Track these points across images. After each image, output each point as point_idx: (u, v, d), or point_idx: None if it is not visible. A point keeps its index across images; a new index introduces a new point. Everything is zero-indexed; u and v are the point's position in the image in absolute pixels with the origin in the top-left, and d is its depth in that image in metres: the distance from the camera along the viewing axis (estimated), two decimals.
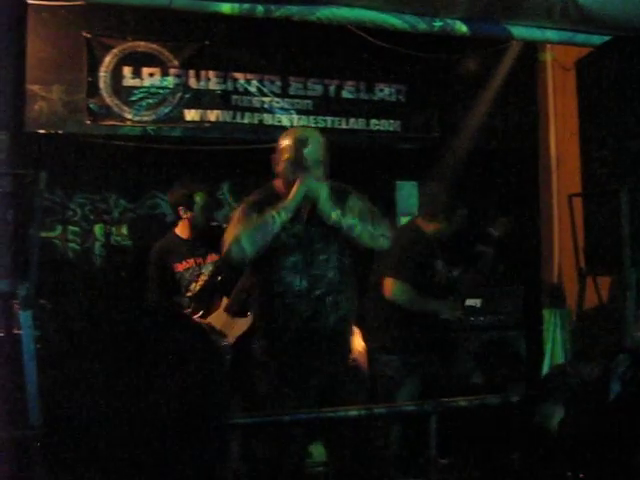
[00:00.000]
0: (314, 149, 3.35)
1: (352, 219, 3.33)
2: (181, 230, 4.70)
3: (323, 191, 3.28)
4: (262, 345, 3.45)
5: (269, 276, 3.33)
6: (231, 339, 4.46)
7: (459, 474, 4.43)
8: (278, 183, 3.48)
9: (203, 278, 4.58)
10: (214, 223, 4.88)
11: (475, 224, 5.10)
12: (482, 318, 5.37)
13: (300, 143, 3.34)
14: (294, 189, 3.28)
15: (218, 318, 4.49)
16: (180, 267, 4.60)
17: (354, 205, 3.43)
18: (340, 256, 3.39)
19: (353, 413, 3.22)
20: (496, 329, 5.39)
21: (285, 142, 3.40)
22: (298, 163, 3.31)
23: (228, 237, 3.30)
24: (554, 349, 5.64)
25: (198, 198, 4.67)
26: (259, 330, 3.50)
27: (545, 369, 5.46)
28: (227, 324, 4.49)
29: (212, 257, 4.60)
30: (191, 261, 4.61)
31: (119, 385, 0.98)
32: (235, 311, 4.51)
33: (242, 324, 4.52)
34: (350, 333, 3.55)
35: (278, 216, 3.25)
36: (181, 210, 4.66)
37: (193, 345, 1.06)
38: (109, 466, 0.95)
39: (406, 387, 4.55)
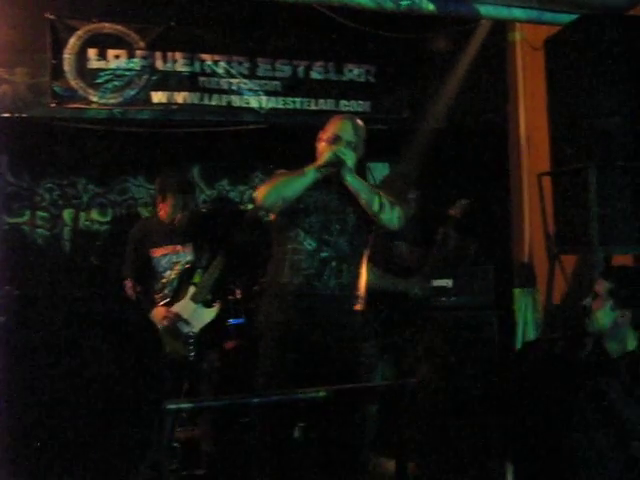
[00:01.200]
0: (351, 134, 3.66)
1: (368, 188, 3.61)
2: (162, 215, 4.63)
3: (349, 158, 3.54)
4: (266, 308, 3.71)
5: (286, 233, 3.62)
6: (197, 328, 4.44)
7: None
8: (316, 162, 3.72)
9: (178, 267, 4.54)
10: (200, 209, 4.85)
11: (444, 204, 5.11)
12: (453, 298, 5.37)
13: (341, 126, 3.67)
14: (324, 154, 3.57)
15: (185, 307, 4.46)
16: (156, 253, 4.55)
17: (377, 186, 3.89)
18: (354, 231, 3.66)
19: (322, 394, 3.22)
20: (467, 309, 5.40)
21: (329, 125, 3.72)
22: (335, 140, 3.61)
23: (263, 187, 3.62)
24: (525, 328, 5.66)
25: (182, 184, 4.61)
26: (267, 293, 3.75)
27: (517, 348, 5.48)
28: (193, 313, 4.46)
29: (190, 246, 4.56)
30: (169, 248, 4.56)
31: (78, 367, 0.97)
32: (202, 300, 4.48)
33: (207, 314, 4.50)
34: (351, 304, 3.73)
35: (307, 172, 3.52)
36: (165, 195, 4.57)
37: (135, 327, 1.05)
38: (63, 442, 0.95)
39: (380, 371, 4.56)
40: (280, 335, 3.62)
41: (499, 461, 4.00)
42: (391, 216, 3.64)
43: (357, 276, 3.77)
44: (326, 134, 3.70)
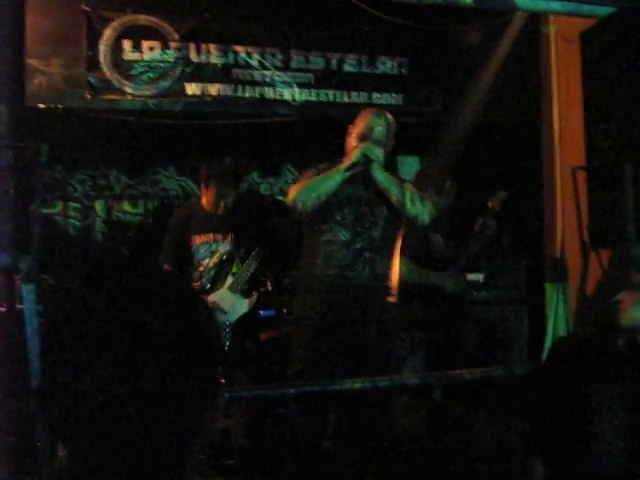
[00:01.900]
0: (382, 130, 3.76)
1: (398, 187, 3.71)
2: (205, 204, 4.60)
3: (377, 155, 3.66)
4: (302, 299, 3.80)
5: (320, 226, 3.71)
6: (233, 318, 4.44)
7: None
8: (345, 159, 3.79)
9: (217, 256, 4.53)
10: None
11: (477, 198, 5.08)
12: (485, 293, 5.35)
13: (371, 122, 3.76)
14: (353, 152, 3.69)
15: (222, 296, 4.47)
16: (197, 240, 4.54)
17: (408, 184, 3.86)
18: (386, 223, 3.77)
19: (357, 386, 3.24)
20: (499, 304, 5.38)
21: (358, 120, 3.82)
22: (364, 137, 3.72)
23: (295, 187, 3.73)
24: (556, 323, 5.62)
25: (227, 173, 4.58)
26: (300, 285, 3.86)
27: (548, 343, 5.45)
28: (230, 303, 4.46)
29: (230, 236, 4.55)
30: (210, 236, 4.55)
31: (113, 359, 0.98)
32: (239, 290, 4.49)
33: (244, 304, 4.50)
34: (384, 294, 3.81)
35: (337, 172, 3.66)
36: (209, 184, 4.55)
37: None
38: (106, 432, 0.96)
39: (411, 363, 4.55)
40: (315, 325, 3.68)
41: (528, 457, 3.98)
42: (421, 211, 3.73)
43: (390, 267, 3.84)
44: (356, 129, 3.78)
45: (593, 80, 4.84)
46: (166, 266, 4.49)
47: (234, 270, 4.49)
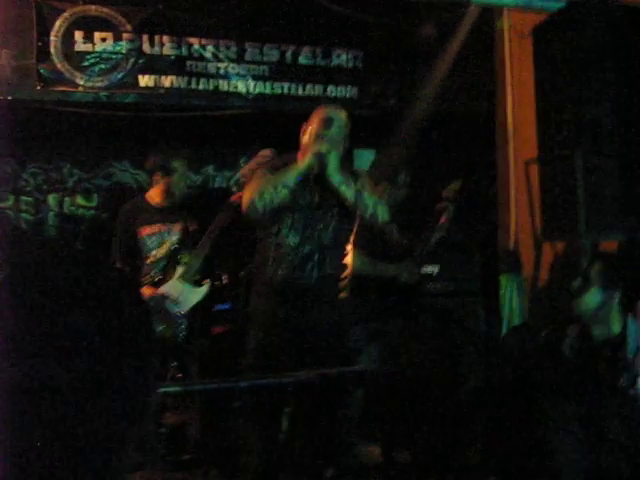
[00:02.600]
0: (337, 130, 3.71)
1: (353, 188, 3.69)
2: (152, 196, 4.62)
3: (334, 158, 3.62)
4: (254, 303, 3.82)
5: (270, 230, 3.69)
6: (185, 308, 4.42)
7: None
8: (300, 155, 3.76)
9: (166, 246, 4.51)
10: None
11: (432, 189, 5.12)
12: (439, 285, 5.39)
13: (326, 122, 3.70)
14: (308, 154, 3.63)
15: (173, 286, 4.44)
16: (144, 232, 4.52)
17: (363, 183, 3.80)
18: (338, 224, 3.75)
19: (307, 377, 3.26)
20: (453, 296, 5.42)
21: (313, 118, 3.76)
22: (320, 138, 3.66)
23: (249, 193, 3.66)
24: (511, 315, 5.68)
25: (177, 164, 4.60)
26: (254, 288, 3.85)
27: (503, 334, 5.51)
28: (182, 293, 4.44)
29: (179, 226, 4.55)
30: (156, 227, 4.54)
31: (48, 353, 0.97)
32: (190, 280, 4.46)
33: (196, 294, 4.48)
34: (334, 292, 3.87)
35: (292, 175, 3.62)
36: (158, 176, 4.59)
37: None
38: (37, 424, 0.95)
39: (368, 354, 4.56)
40: (267, 324, 3.70)
41: (483, 447, 4.03)
42: (376, 212, 3.73)
43: (340, 266, 3.90)
44: (310, 126, 3.74)
45: (545, 74, 4.90)
46: (117, 263, 4.47)
47: (185, 260, 4.47)
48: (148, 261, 4.47)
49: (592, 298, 3.36)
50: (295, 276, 3.65)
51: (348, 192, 3.67)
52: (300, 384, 3.40)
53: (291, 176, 3.62)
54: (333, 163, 3.62)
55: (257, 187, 3.64)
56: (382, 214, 3.76)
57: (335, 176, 3.64)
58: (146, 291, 4.41)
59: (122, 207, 4.75)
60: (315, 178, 3.67)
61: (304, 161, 3.63)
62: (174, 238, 4.50)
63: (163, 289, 4.40)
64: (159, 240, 4.49)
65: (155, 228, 4.51)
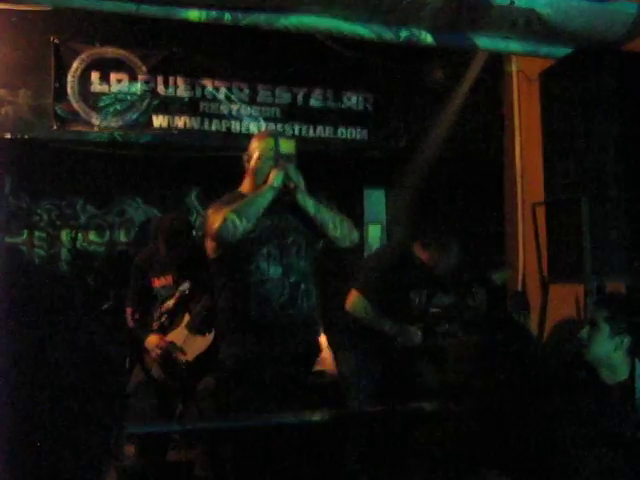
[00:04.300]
0: (286, 145, 3.53)
1: (325, 210, 3.49)
2: (161, 245, 4.68)
3: (299, 182, 3.44)
4: (232, 352, 3.47)
5: (245, 267, 3.40)
6: (190, 356, 4.46)
7: None
8: (246, 185, 3.59)
9: (177, 295, 4.56)
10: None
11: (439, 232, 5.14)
12: (447, 325, 5.40)
13: (272, 141, 3.53)
14: (272, 174, 3.41)
15: (179, 335, 4.49)
16: (157, 282, 4.59)
17: (326, 205, 3.58)
18: (310, 249, 3.54)
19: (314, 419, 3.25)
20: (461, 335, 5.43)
21: (256, 142, 3.59)
22: (272, 156, 3.46)
23: (215, 218, 3.35)
24: None
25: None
26: (227, 337, 3.51)
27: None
28: (187, 341, 4.48)
29: (189, 277, 4.59)
30: (169, 278, 4.59)
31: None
32: (196, 328, 4.51)
33: (202, 342, 4.51)
34: (319, 325, 3.70)
35: (263, 194, 3.39)
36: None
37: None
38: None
39: (359, 382, 4.53)
40: (260, 369, 3.42)
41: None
42: (346, 234, 3.53)
43: (319, 295, 3.64)
44: (259, 151, 3.51)
45: (551, 118, 4.96)
46: (129, 309, 4.54)
47: (191, 309, 4.52)
48: (161, 310, 4.52)
49: (602, 346, 3.35)
50: (287, 313, 3.41)
51: (323, 213, 3.48)
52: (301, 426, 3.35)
53: (264, 194, 3.39)
54: (299, 182, 3.43)
55: (229, 208, 3.34)
56: (351, 235, 3.55)
57: (304, 197, 3.45)
58: (152, 338, 4.45)
59: (137, 254, 4.80)
60: (280, 202, 3.44)
61: (272, 179, 3.40)
62: (185, 288, 4.54)
63: (169, 337, 4.46)
64: (171, 291, 4.55)
65: (167, 279, 4.56)
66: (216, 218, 3.34)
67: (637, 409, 3.23)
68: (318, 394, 3.60)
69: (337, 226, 3.49)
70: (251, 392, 3.40)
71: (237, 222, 3.30)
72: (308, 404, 3.46)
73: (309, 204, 3.45)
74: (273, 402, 3.38)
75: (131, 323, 4.55)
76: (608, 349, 3.31)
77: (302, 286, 3.46)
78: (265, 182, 3.43)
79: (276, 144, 3.49)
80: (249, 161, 3.56)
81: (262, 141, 3.57)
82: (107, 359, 1.09)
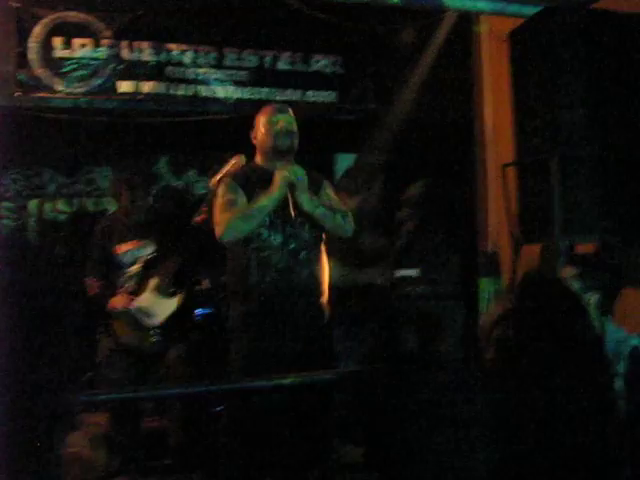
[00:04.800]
0: (287, 121, 3.77)
1: (323, 209, 3.70)
2: (123, 211, 4.65)
3: (301, 183, 3.62)
4: (238, 311, 3.71)
5: (249, 234, 3.61)
6: (160, 319, 4.44)
7: None
8: (257, 158, 3.85)
9: (141, 260, 4.53)
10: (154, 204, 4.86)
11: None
12: (419, 288, 5.41)
13: (275, 115, 3.77)
14: (276, 180, 3.61)
15: (147, 299, 4.46)
16: (121, 249, 4.54)
17: (327, 195, 3.87)
18: (312, 225, 3.73)
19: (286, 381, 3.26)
20: (433, 298, 5.44)
21: (261, 117, 3.83)
22: (278, 131, 3.72)
23: (221, 220, 3.59)
24: None
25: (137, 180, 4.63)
26: (234, 296, 3.74)
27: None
28: (156, 304, 4.46)
29: (150, 240, 4.56)
30: (133, 243, 4.55)
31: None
32: (165, 290, 4.48)
33: (170, 304, 4.50)
34: (320, 293, 3.80)
35: (266, 202, 3.59)
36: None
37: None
38: None
39: (346, 357, 4.59)
40: (256, 335, 3.63)
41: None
42: (344, 227, 3.77)
43: (323, 264, 3.85)
44: (261, 126, 3.80)
45: (521, 78, 4.94)
46: (91, 280, 4.50)
47: (157, 272, 4.49)
48: (126, 276, 4.49)
49: None
50: (285, 277, 3.61)
51: (317, 212, 3.68)
52: (279, 387, 3.40)
53: (267, 201, 3.59)
54: (301, 185, 3.62)
55: (232, 216, 3.59)
56: (346, 228, 3.78)
57: (304, 198, 3.64)
58: (117, 298, 4.42)
59: (98, 223, 4.75)
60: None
61: (276, 185, 3.60)
62: (148, 252, 4.51)
63: (136, 302, 4.42)
64: (135, 256, 4.51)
65: (130, 245, 4.53)
66: (222, 219, 3.58)
67: (607, 364, 3.27)
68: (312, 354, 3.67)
69: (333, 222, 3.71)
70: (254, 347, 3.61)
71: (241, 227, 3.57)
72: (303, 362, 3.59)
73: (306, 203, 3.63)
74: (273, 358, 3.57)
75: (92, 291, 4.51)
76: None
77: (302, 254, 3.67)
78: (273, 154, 3.74)
79: (277, 120, 3.73)
80: (256, 137, 3.82)
81: (266, 116, 3.79)
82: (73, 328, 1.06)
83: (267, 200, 3.59)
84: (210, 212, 3.88)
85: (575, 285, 3.43)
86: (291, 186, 3.60)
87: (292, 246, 3.66)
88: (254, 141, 3.85)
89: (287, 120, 3.76)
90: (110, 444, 4.31)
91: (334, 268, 4.52)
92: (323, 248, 3.85)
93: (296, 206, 3.63)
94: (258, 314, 3.62)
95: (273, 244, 3.63)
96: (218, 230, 3.58)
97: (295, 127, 3.79)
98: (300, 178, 3.61)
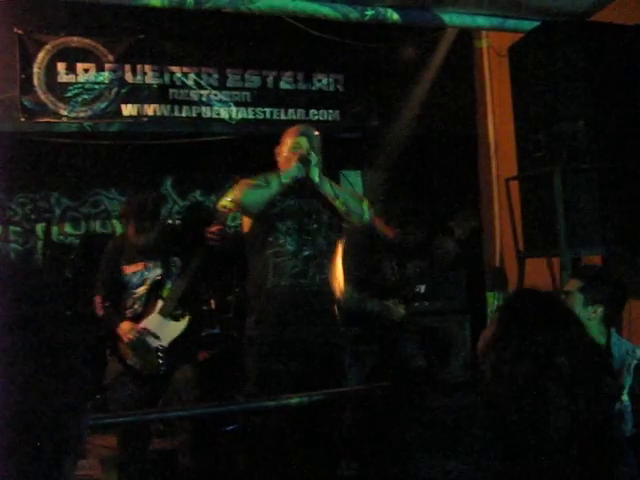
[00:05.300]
0: (313, 141, 3.82)
1: (340, 192, 3.83)
2: (132, 232, 4.65)
3: (316, 166, 3.72)
4: (254, 315, 3.80)
5: (265, 238, 3.75)
6: (165, 341, 4.44)
7: None
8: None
9: (149, 282, 4.53)
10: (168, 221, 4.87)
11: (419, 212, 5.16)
12: (426, 303, 5.41)
13: (301, 135, 3.83)
14: (292, 163, 3.71)
15: (152, 321, 4.46)
16: (128, 270, 4.54)
17: (342, 186, 4.14)
18: (329, 229, 3.85)
19: (294, 401, 3.26)
20: (440, 314, 5.43)
21: (288, 136, 3.87)
22: (298, 150, 3.76)
23: (237, 191, 3.74)
24: None
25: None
26: (252, 301, 3.85)
27: None
28: (161, 327, 4.46)
29: (158, 262, 4.56)
30: (140, 265, 4.55)
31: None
32: (170, 313, 4.48)
33: (177, 327, 4.50)
34: (333, 300, 3.86)
35: (277, 179, 3.71)
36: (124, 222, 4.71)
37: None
38: None
39: (353, 374, 4.58)
40: (275, 336, 3.70)
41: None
42: (361, 212, 3.86)
43: (335, 271, 3.92)
44: (285, 147, 3.85)
45: (522, 92, 4.94)
46: (98, 297, 4.50)
47: (164, 294, 4.49)
48: (133, 297, 4.49)
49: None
50: (299, 282, 3.71)
51: (339, 198, 3.78)
52: (286, 407, 3.40)
53: (277, 178, 3.70)
54: (316, 167, 3.71)
55: (246, 186, 3.73)
56: (363, 214, 3.86)
57: (325, 185, 3.75)
58: (125, 325, 4.43)
59: (108, 243, 4.76)
60: (301, 186, 3.76)
61: (286, 171, 3.72)
62: (155, 274, 4.51)
63: (142, 324, 4.43)
64: (142, 277, 4.51)
65: (138, 266, 4.51)
66: (236, 191, 3.74)
67: (614, 377, 3.26)
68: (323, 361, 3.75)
69: (347, 206, 3.79)
70: (269, 354, 3.69)
71: (249, 200, 3.71)
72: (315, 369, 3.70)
73: (329, 191, 3.75)
74: (289, 364, 3.67)
75: (100, 311, 4.51)
76: (582, 318, 3.34)
77: (316, 260, 3.77)
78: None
79: (302, 139, 3.79)
80: (279, 156, 3.87)
81: (289, 139, 3.85)
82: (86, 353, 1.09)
83: (280, 175, 3.71)
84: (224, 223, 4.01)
85: (580, 298, 3.42)
86: (306, 166, 3.69)
87: (306, 252, 3.75)
88: (277, 157, 3.91)
89: (307, 146, 3.79)
90: (120, 466, 4.31)
91: (348, 294, 4.54)
92: (338, 256, 3.92)
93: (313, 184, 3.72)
94: (274, 316, 3.71)
95: (288, 250, 3.73)
96: (237, 195, 3.72)
97: (317, 150, 3.83)
98: (314, 165, 3.70)
